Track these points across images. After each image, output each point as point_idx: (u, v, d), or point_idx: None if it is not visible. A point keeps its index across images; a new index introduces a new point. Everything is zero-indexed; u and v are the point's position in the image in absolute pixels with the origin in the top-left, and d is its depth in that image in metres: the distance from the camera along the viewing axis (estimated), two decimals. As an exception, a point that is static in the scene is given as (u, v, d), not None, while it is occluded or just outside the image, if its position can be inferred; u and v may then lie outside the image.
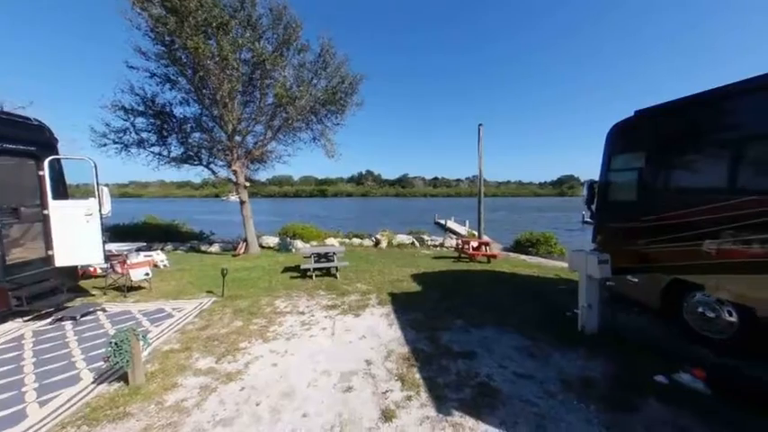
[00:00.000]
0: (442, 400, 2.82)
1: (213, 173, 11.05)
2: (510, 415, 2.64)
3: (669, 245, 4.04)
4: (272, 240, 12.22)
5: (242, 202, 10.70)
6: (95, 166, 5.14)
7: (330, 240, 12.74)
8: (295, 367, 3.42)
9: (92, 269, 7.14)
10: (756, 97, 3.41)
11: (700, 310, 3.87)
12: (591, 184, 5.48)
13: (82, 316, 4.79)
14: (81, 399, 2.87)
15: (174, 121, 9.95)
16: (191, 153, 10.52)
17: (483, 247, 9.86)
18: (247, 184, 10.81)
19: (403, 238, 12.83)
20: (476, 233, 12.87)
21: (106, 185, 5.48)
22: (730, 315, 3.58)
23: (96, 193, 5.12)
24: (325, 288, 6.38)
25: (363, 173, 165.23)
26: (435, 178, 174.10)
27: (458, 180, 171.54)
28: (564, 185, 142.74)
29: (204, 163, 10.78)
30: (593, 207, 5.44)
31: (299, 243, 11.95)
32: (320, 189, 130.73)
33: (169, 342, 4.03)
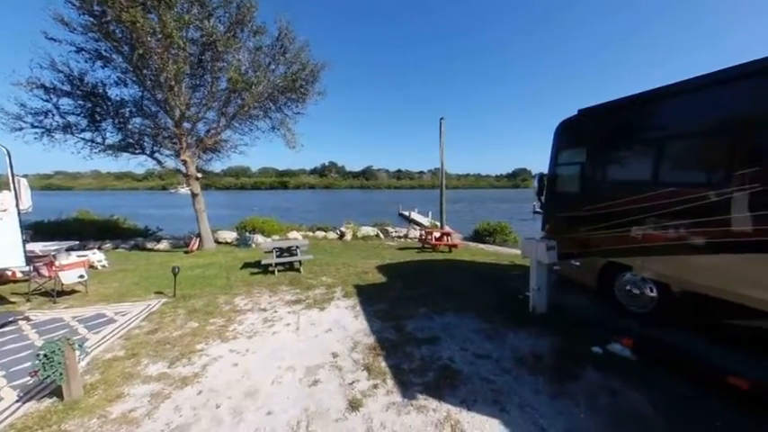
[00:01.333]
0: (407, 386, 2.93)
1: (159, 163, 10.06)
2: (470, 393, 2.82)
3: (605, 231, 4.53)
4: (230, 235, 11.54)
5: (194, 195, 9.92)
6: (9, 154, 4.41)
7: (293, 234, 12.36)
8: (258, 366, 3.31)
9: (10, 273, 6.20)
10: (673, 101, 3.92)
11: (628, 287, 4.42)
12: (541, 176, 5.93)
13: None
14: (2, 420, 2.51)
15: (110, 103, 8.82)
16: (131, 140, 9.45)
17: (445, 238, 10.24)
18: (199, 175, 10.02)
19: (368, 230, 12.86)
20: (438, 224, 13.32)
21: (25, 176, 4.75)
22: (651, 291, 4.14)
23: (12, 185, 4.42)
24: (288, 283, 6.21)
25: (327, 164, 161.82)
26: (399, 170, 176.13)
27: (421, 172, 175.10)
28: (518, 178, 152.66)
29: (148, 152, 9.76)
30: (543, 198, 5.91)
31: (259, 237, 11.43)
32: (281, 181, 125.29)
33: (112, 349, 3.66)
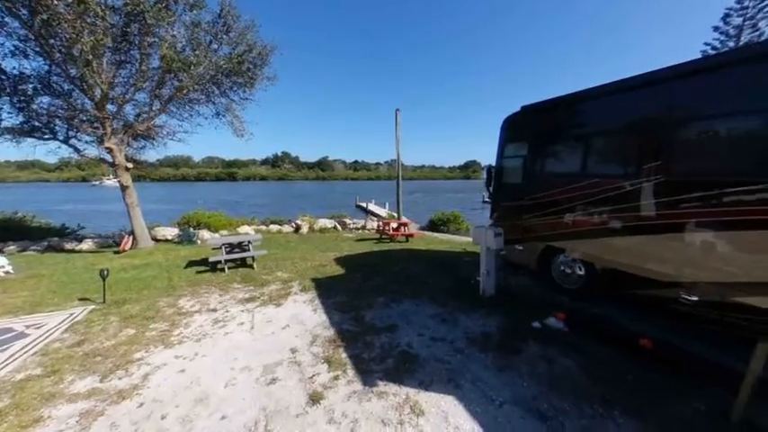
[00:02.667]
0: (368, 374, 2.99)
1: (77, 151, 8.68)
2: (427, 375, 2.97)
3: (543, 219, 5.02)
4: (171, 232, 10.49)
5: (124, 188, 8.78)
6: None
7: (244, 228, 11.65)
8: (209, 369, 3.11)
9: None
10: (596, 103, 4.43)
11: (562, 268, 4.98)
12: (489, 168, 6.34)
13: None
14: None
15: (4, 78, 7.33)
16: (37, 123, 7.98)
17: (402, 228, 10.48)
18: (130, 165, 8.88)
19: (325, 223, 12.63)
20: (395, 215, 13.56)
21: None
22: (580, 270, 4.71)
23: None
24: (240, 280, 5.87)
25: (279, 155, 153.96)
26: (356, 161, 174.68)
27: (377, 164, 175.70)
28: (469, 169, 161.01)
29: (61, 137, 8.34)
30: (491, 189, 6.33)
31: (205, 233, 10.56)
32: (229, 172, 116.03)
33: (24, 368, 3.15)
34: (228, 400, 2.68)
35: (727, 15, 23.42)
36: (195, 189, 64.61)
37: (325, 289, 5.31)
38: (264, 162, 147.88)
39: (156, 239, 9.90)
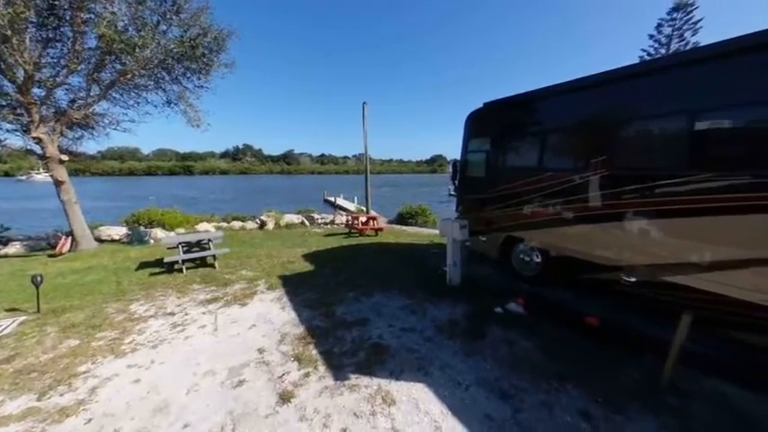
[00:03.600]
0: (340, 368, 2.99)
1: (-5, 140, 7.55)
2: (398, 365, 3.04)
3: (504, 210, 5.30)
4: (119, 231, 9.56)
5: (58, 183, 7.81)
6: None
7: (203, 226, 10.95)
8: (168, 377, 2.92)
9: None
10: (550, 101, 4.74)
11: (521, 256, 5.32)
12: (455, 162, 6.55)
13: None
14: None
15: None
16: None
17: (371, 222, 10.50)
18: (64, 157, 7.90)
19: (292, 218, 12.27)
20: (364, 209, 13.54)
21: None
22: (537, 257, 5.06)
23: None
24: (200, 281, 5.53)
25: (241, 147, 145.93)
26: (323, 155, 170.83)
27: (345, 157, 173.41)
28: (435, 164, 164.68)
29: (-28, 125, 7.20)
30: (456, 182, 6.55)
31: (159, 232, 9.77)
32: (185, 166, 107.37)
33: (-62, 392, 2.73)
34: (191, 406, 2.54)
35: (659, 25, 26.09)
36: (146, 184, 59.26)
37: (294, 286, 5.18)
38: (224, 155, 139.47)
39: (100, 240, 8.98)
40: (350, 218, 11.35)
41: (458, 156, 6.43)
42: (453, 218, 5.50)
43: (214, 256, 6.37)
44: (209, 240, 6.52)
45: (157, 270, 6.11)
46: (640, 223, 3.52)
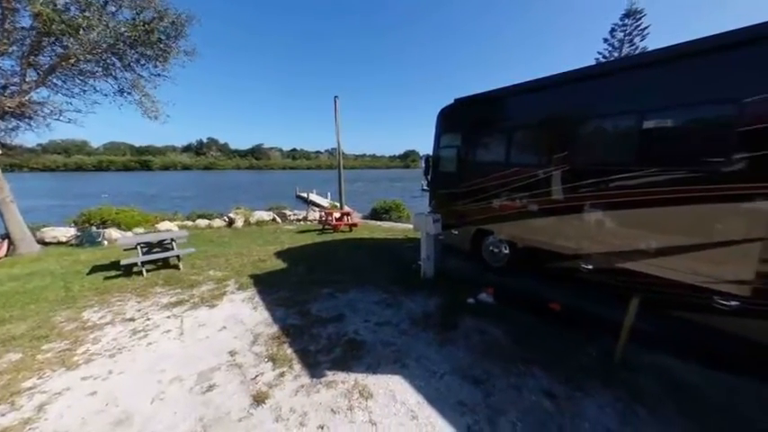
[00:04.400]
0: (316, 366, 2.96)
1: None
2: (374, 359, 3.07)
3: (475, 205, 5.49)
4: (66, 233, 8.70)
5: (-11, 180, 6.95)
6: None
7: (165, 225, 10.27)
8: (129, 387, 2.73)
9: None
10: (516, 98, 4.94)
11: (490, 248, 5.54)
12: (427, 158, 6.65)
13: None
14: None
15: None
16: None
17: (345, 218, 10.42)
18: (-3, 151, 7.03)
19: (262, 215, 11.85)
20: (338, 204, 13.39)
21: None
22: (505, 249, 5.30)
23: None
24: (163, 283, 5.20)
25: (205, 141, 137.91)
26: (294, 150, 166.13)
27: (317, 152, 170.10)
28: (408, 158, 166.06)
29: None
30: (429, 177, 6.66)
31: (113, 232, 9.03)
32: (142, 160, 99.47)
33: None
34: (157, 416, 2.40)
35: (613, 30, 28.01)
36: (97, 180, 54.32)
37: (266, 285, 5.03)
38: (187, 149, 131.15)
39: (44, 243, 8.13)
40: (323, 214, 11.18)
41: (430, 151, 6.53)
42: (427, 213, 5.60)
43: (178, 257, 6.01)
44: (173, 240, 6.13)
45: (113, 273, 5.65)
46: (596, 215, 3.80)
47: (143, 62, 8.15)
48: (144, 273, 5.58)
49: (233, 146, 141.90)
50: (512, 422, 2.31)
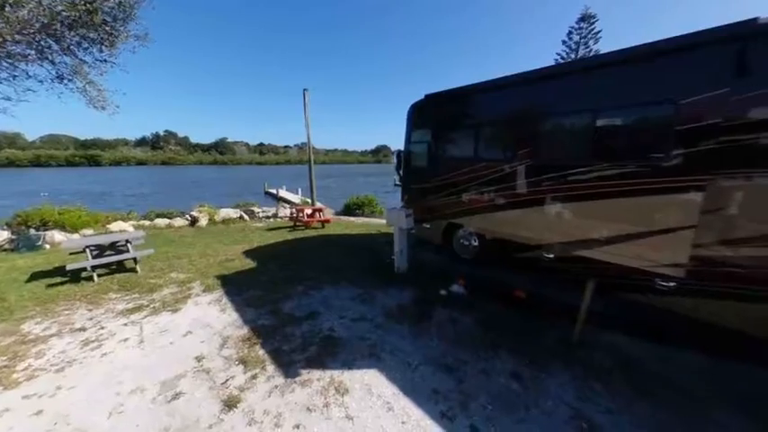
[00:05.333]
0: (290, 365, 2.91)
1: None
2: (350, 354, 3.07)
3: (445, 199, 5.62)
4: (-4, 236, 7.72)
5: None
6: None
7: (118, 225, 9.46)
8: (81, 402, 2.51)
9: None
10: (485, 95, 5.10)
11: (461, 240, 5.73)
12: (398, 153, 6.69)
13: None
14: None
15: None
16: None
17: (317, 214, 10.24)
18: None
19: (229, 213, 11.30)
20: (309, 200, 13.10)
21: None
22: (474, 241, 5.51)
23: None
24: (118, 288, 4.81)
25: (162, 134, 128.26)
26: (261, 144, 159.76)
27: (286, 147, 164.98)
28: (380, 154, 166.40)
29: None
30: (401, 172, 6.71)
31: (57, 235, 8.16)
32: (89, 155, 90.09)
33: None
34: (116, 430, 2.23)
35: (570, 32, 29.74)
36: (34, 177, 48.59)
37: (235, 285, 4.83)
38: (141, 143, 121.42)
39: (-31, 248, 7.15)
40: (294, 210, 10.89)
41: (402, 146, 6.57)
42: (399, 207, 5.66)
43: (135, 260, 5.58)
44: (128, 241, 5.66)
45: (58, 280, 5.12)
46: (555, 207, 4.06)
47: (86, 46, 7.36)
48: (95, 278, 5.12)
49: (194, 140, 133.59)
50: (482, 405, 2.43)
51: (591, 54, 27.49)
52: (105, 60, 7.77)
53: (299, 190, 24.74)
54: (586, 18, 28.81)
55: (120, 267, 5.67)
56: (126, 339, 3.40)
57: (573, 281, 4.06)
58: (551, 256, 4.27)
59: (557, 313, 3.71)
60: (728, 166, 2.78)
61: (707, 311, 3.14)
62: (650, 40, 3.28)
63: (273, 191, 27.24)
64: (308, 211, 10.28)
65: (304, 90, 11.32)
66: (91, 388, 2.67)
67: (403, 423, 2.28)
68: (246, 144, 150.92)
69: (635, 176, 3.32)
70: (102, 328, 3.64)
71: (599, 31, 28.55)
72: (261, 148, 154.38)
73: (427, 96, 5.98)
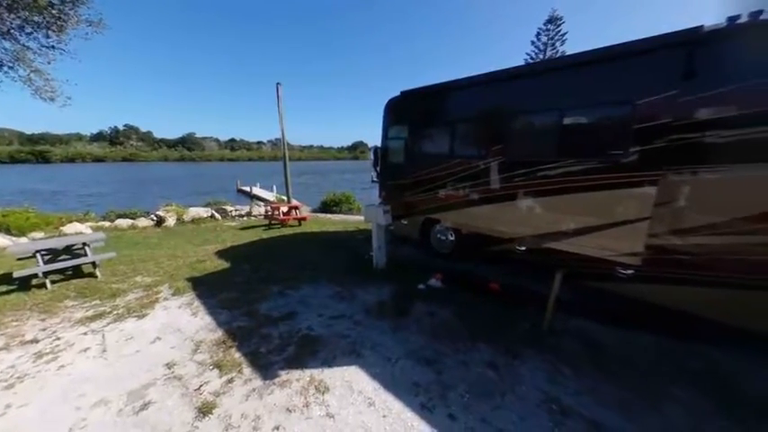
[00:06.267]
0: (268, 367, 2.84)
1: None
2: (330, 352, 3.05)
3: (422, 195, 5.70)
4: (-75, 242, 6.88)
5: None
6: None
7: (74, 227, 8.73)
8: (36, 420, 2.31)
9: None
10: (459, 92, 5.21)
11: (438, 236, 5.84)
12: (375, 149, 6.68)
13: None
14: None
15: None
16: None
17: (293, 212, 10.02)
18: None
19: (199, 212, 10.78)
20: (285, 198, 12.78)
21: None
22: (451, 236, 5.63)
23: None
24: (76, 295, 4.45)
25: (121, 128, 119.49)
26: (233, 140, 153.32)
27: (259, 143, 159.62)
28: (357, 150, 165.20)
29: None
30: (378, 169, 6.71)
31: (0, 239, 7.41)
32: (36, 151, 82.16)
33: None
34: (76, 448, 2.08)
35: (538, 33, 30.95)
36: (-30, 176, 43.64)
37: (207, 287, 4.63)
38: (98, 137, 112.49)
39: None
40: (269, 208, 10.60)
41: (378, 142, 6.57)
42: (377, 204, 5.66)
43: (94, 263, 5.18)
44: (85, 244, 5.24)
45: (5, 289, 4.65)
46: (526, 201, 4.24)
47: (29, 30, 6.70)
48: (48, 285, 4.70)
49: (158, 134, 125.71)
50: (461, 395, 2.51)
51: (558, 55, 28.81)
52: (53, 47, 7.14)
53: (274, 187, 24.09)
54: (553, 20, 30.10)
55: (77, 273, 5.24)
56: (86, 349, 3.16)
57: (543, 271, 4.27)
58: (523, 248, 4.46)
59: (529, 303, 3.88)
60: (677, 163, 3.03)
61: (661, 296, 3.42)
62: (610, 44, 3.49)
63: (247, 188, 26.29)
64: (284, 208, 10.04)
65: (277, 84, 10.99)
66: (46, 404, 2.46)
67: (384, 417, 2.31)
68: (216, 140, 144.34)
69: (597, 172, 3.54)
70: (58, 338, 3.36)
71: (565, 33, 29.97)
72: (232, 144, 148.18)
73: (403, 93, 6.00)
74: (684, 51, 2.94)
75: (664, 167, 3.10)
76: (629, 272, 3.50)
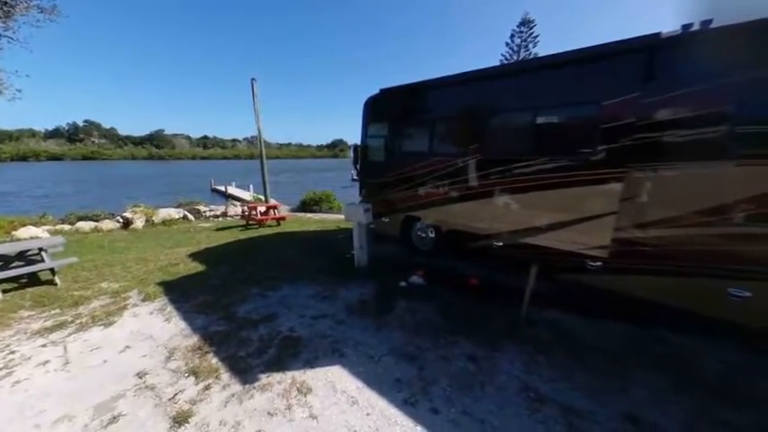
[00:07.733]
0: (247, 371, 2.76)
1: None
2: (312, 353, 3.01)
3: (403, 193, 5.73)
4: None
5: None
6: None
7: (28, 231, 8.05)
8: (-12, 441, 2.12)
9: None
10: (438, 91, 5.27)
11: (419, 233, 5.90)
12: (355, 147, 6.64)
13: None
14: None
15: None
16: None
17: (271, 211, 9.78)
18: None
19: (170, 213, 10.28)
20: (262, 197, 12.44)
21: None
22: (431, 233, 5.71)
23: None
24: (32, 305, 4.12)
25: (81, 125, 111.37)
26: (205, 137, 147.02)
27: (234, 140, 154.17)
28: (337, 148, 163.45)
29: None
30: (358, 167, 6.68)
31: (-59, 246, 6.69)
32: (-19, 148, 75.09)
33: None
34: (37, 468, 1.93)
35: (512, 35, 31.90)
36: None
37: (181, 292, 4.43)
38: (54, 134, 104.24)
39: None
40: (246, 208, 10.27)
41: (358, 140, 6.53)
42: (358, 202, 5.63)
43: (52, 270, 4.80)
44: (42, 249, 4.85)
45: (-53, 300, 4.22)
46: (503, 198, 4.37)
47: (-30, 16, 6.09)
48: (-1, 294, 4.32)
49: (123, 131, 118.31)
50: (443, 389, 2.56)
51: (530, 56, 29.84)
52: (2, 36, 6.52)
53: (251, 186, 23.38)
54: (526, 22, 31.13)
55: (33, 280, 4.85)
56: (46, 362, 2.94)
57: (520, 265, 4.43)
58: (500, 244, 4.60)
59: (507, 296, 4.01)
60: (640, 160, 3.23)
61: (628, 286, 3.64)
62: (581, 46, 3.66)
63: (222, 188, 25.35)
64: (262, 208, 9.77)
65: (252, 80, 10.64)
66: (3, 422, 2.27)
67: (368, 415, 2.31)
68: (188, 137, 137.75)
69: (569, 169, 3.71)
70: (13, 352, 3.10)
71: (537, 35, 31.09)
72: (205, 142, 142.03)
73: (382, 91, 6.00)
74: (645, 56, 3.14)
75: (628, 165, 3.29)
76: (597, 264, 3.70)
